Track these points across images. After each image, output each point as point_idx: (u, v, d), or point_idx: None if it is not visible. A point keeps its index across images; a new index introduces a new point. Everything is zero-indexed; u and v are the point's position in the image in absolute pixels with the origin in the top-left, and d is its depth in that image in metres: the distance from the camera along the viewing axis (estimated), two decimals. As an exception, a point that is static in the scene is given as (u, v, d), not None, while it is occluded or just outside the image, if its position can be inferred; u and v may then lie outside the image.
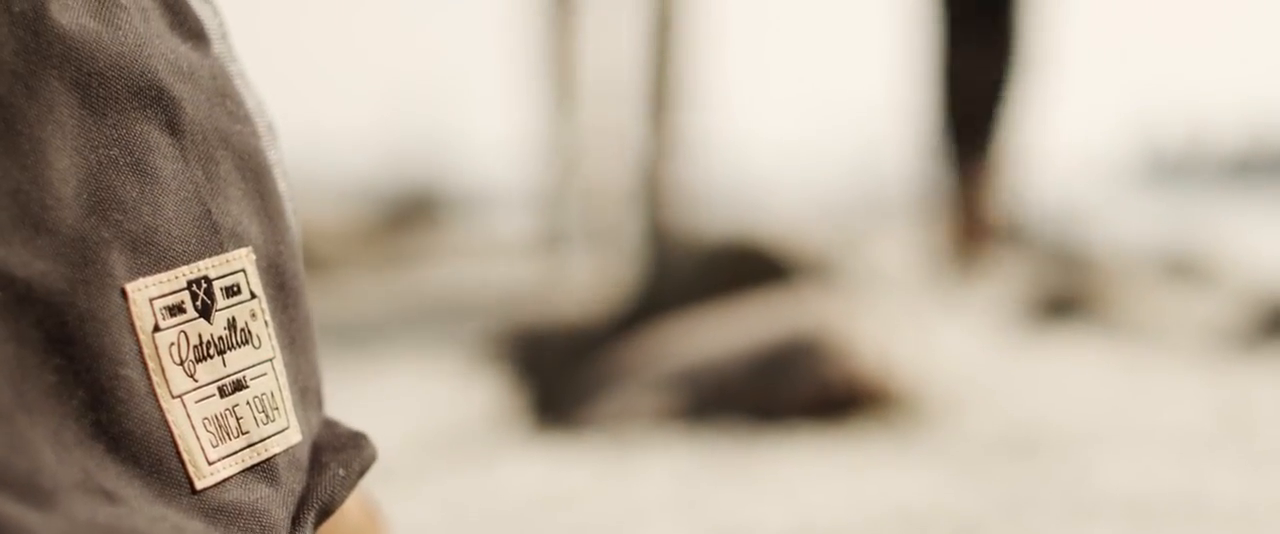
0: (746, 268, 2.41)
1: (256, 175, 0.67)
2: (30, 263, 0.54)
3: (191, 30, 0.66)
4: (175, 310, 0.60)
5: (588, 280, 4.23)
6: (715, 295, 2.40)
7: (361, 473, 0.69)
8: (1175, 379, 2.44)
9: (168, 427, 0.58)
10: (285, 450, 0.64)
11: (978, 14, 4.82)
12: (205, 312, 0.62)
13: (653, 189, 5.84)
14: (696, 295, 2.41)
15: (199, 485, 0.59)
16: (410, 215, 6.50)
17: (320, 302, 3.59)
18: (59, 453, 0.54)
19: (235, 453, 0.61)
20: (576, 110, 5.32)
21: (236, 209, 0.65)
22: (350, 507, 0.75)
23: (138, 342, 0.57)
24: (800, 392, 1.92)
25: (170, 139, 0.62)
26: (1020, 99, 4.98)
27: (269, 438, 0.63)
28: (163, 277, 0.59)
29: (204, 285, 0.62)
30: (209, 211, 0.63)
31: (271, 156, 0.68)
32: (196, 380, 0.60)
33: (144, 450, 0.57)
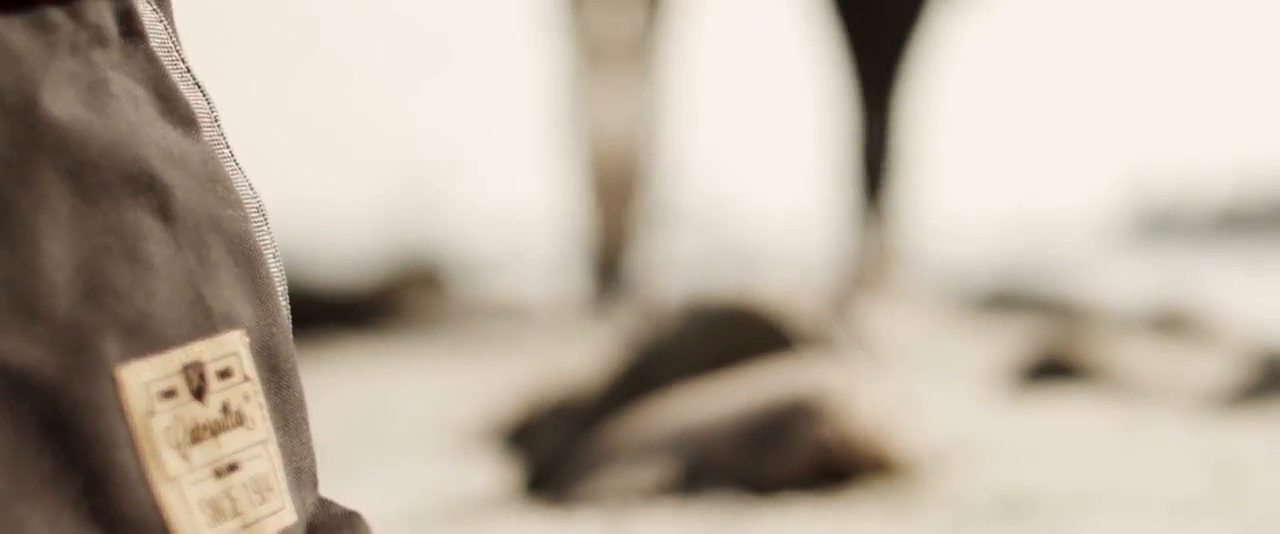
0: (741, 335, 2.42)
1: (248, 258, 0.67)
2: (25, 351, 0.55)
3: (182, 117, 0.67)
4: (169, 394, 0.61)
5: (588, 349, 4.23)
6: (710, 364, 2.40)
7: (356, 552, 0.69)
8: (1169, 439, 2.44)
9: (163, 510, 0.58)
10: (280, 531, 0.64)
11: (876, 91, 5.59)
12: (199, 395, 0.62)
13: (648, 258, 6.10)
14: (691, 364, 2.41)
15: (195, 568, 0.59)
16: (410, 285, 6.50)
17: (316, 375, 3.59)
18: (56, 539, 0.54)
19: (231, 535, 0.61)
20: (582, 181, 5.87)
21: (228, 292, 0.66)
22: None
23: (132, 426, 0.58)
24: (794, 461, 1.92)
25: (162, 225, 0.63)
26: (910, 166, 5.79)
27: (264, 519, 0.64)
28: (156, 361, 0.60)
29: (197, 369, 0.62)
30: (201, 296, 0.64)
31: (262, 239, 0.69)
32: (191, 463, 0.60)
33: (141, 534, 0.57)
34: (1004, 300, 6.09)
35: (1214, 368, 3.72)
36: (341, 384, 3.62)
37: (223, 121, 0.72)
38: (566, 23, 5.76)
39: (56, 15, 0.61)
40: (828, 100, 5.85)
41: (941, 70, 5.86)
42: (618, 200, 5.83)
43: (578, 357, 4.10)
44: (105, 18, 0.64)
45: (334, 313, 4.61)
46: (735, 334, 2.41)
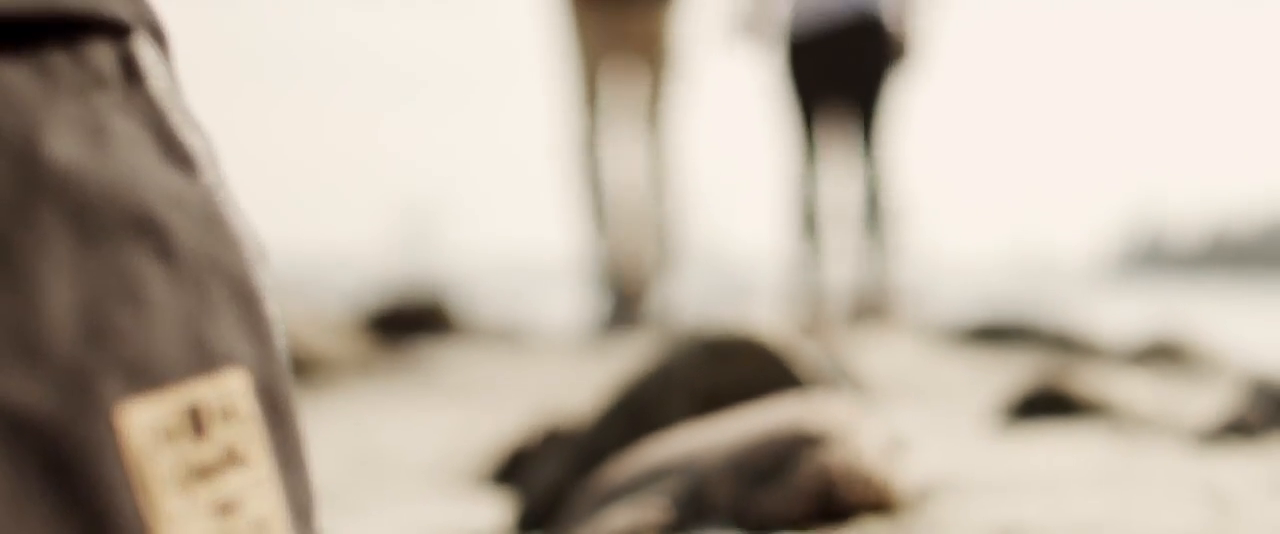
0: (740, 370, 2.42)
1: (246, 299, 0.68)
2: (27, 391, 0.55)
3: (182, 158, 0.68)
4: (170, 434, 0.61)
5: (586, 385, 4.23)
6: (708, 399, 2.40)
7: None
8: (1165, 473, 2.45)
9: (165, 550, 0.58)
10: (281, 570, 0.65)
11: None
12: (200, 434, 0.62)
13: (656, 295, 6.48)
14: (689, 399, 2.42)
15: (197, 607, 0.59)
16: (411, 325, 6.50)
17: (319, 415, 3.58)
18: (60, 579, 0.54)
19: (232, 574, 0.61)
20: (599, 227, 6.63)
21: (228, 332, 0.66)
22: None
23: (132, 466, 0.58)
24: (792, 498, 1.92)
25: (163, 266, 0.63)
26: (880, 216, 6.64)
27: (265, 558, 0.64)
28: (157, 401, 0.60)
29: (198, 409, 0.63)
30: (202, 336, 0.64)
31: (261, 280, 0.69)
32: (192, 503, 0.61)
33: (143, 574, 0.57)
34: (999, 334, 6.10)
35: (1209, 401, 3.73)
36: (340, 422, 3.61)
37: (223, 153, 0.73)
38: (575, 79, 6.51)
39: (58, 58, 0.62)
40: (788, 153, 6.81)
41: (911, 121, 6.43)
42: (630, 243, 6.65)
43: (576, 392, 4.09)
44: (106, 61, 0.65)
45: (331, 350, 4.60)
46: (733, 369, 2.42)
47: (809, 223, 6.65)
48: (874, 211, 6.54)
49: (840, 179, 6.64)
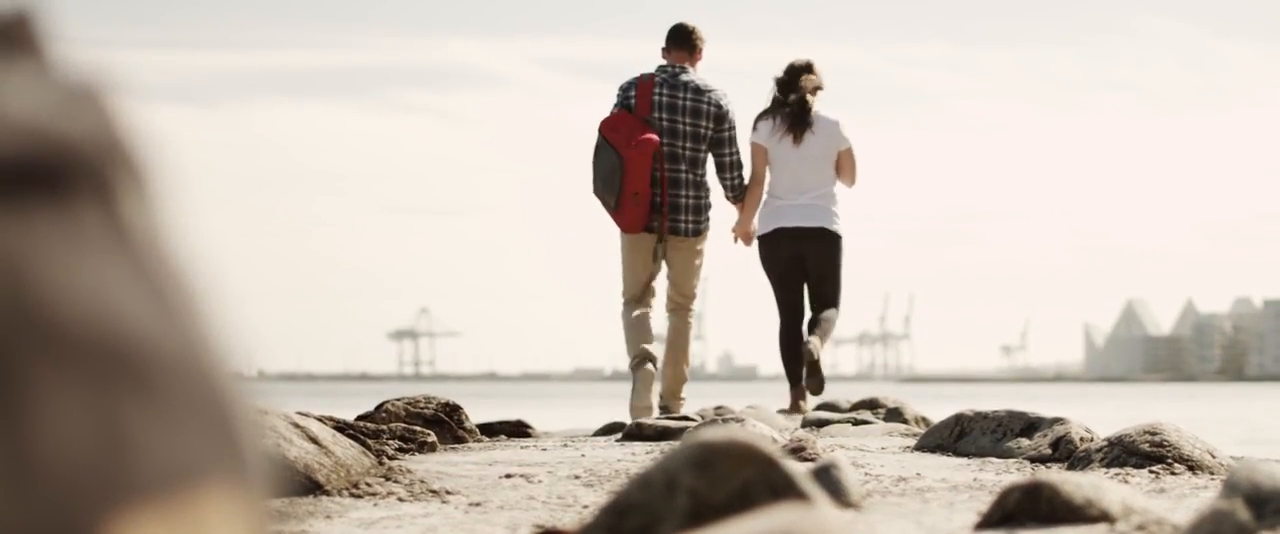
0: (733, 480, 2.43)
1: (229, 417, 0.70)
2: (17, 517, 0.57)
3: (164, 283, 0.70)
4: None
5: (587, 498, 4.23)
6: (702, 509, 2.41)
7: None
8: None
9: None
10: None
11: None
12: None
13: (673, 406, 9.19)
14: (684, 509, 2.42)
15: None
16: (410, 438, 6.44)
17: (326, 526, 3.57)
18: None
19: None
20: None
21: (209, 454, 0.68)
22: None
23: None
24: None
25: (145, 391, 0.65)
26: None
27: None
28: (141, 524, 0.62)
29: (187, 527, 0.64)
30: (183, 458, 0.66)
31: (244, 396, 0.71)
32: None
33: None
34: (983, 441, 6.10)
35: (1196, 502, 3.73)
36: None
37: (207, 279, 0.74)
38: (631, 279, 9.63)
39: (38, 198, 0.64)
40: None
41: None
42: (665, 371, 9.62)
43: (573, 496, 4.08)
44: (85, 196, 0.67)
45: (326, 468, 4.57)
46: (727, 477, 2.43)
47: (791, 354, 10.08)
48: (823, 325, 10.02)
49: (807, 319, 10.10)
